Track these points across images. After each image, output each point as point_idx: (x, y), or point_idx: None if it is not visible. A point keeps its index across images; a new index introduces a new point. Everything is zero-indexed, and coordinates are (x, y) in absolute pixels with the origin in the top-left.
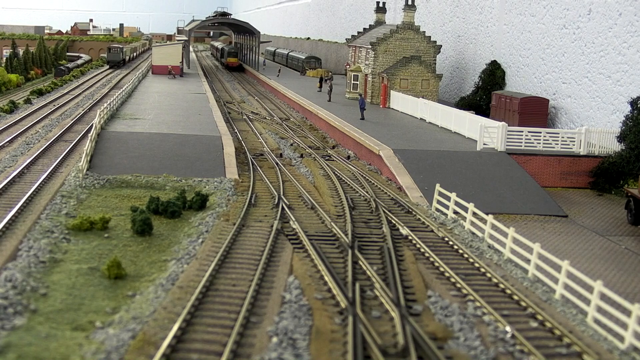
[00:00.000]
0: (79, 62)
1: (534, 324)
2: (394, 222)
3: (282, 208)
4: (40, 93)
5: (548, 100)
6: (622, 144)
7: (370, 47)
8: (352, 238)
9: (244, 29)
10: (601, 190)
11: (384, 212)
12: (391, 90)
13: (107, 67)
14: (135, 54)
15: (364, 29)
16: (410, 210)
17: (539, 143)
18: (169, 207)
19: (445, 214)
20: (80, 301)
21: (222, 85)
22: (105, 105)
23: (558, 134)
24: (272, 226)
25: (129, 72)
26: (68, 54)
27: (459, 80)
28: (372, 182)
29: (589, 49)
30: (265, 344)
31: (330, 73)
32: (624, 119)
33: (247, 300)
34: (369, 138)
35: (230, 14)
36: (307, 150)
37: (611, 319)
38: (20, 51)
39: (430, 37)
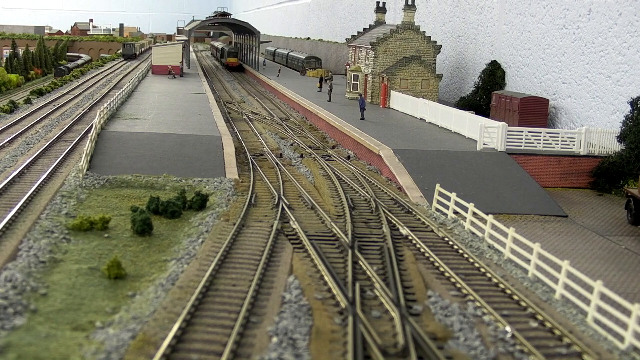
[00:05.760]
0: (79, 62)
1: (534, 324)
2: (394, 222)
3: (282, 208)
4: (40, 93)
5: (548, 100)
6: (622, 144)
7: (370, 47)
8: (352, 238)
9: (244, 29)
10: (601, 190)
11: (384, 212)
12: (391, 90)
13: (122, 59)
14: (142, 49)
15: (364, 29)
16: (410, 210)
17: (539, 143)
18: (169, 207)
19: (445, 214)
20: (80, 301)
21: (222, 85)
22: (105, 105)
23: (558, 134)
24: (272, 226)
25: (129, 73)
26: (68, 54)
27: (459, 80)
28: (372, 182)
29: (589, 49)
30: (265, 344)
31: (330, 73)
32: (624, 119)
33: (247, 300)
34: (369, 138)
35: (230, 14)
36: (307, 150)
37: (611, 319)
38: (20, 51)
39: (430, 37)
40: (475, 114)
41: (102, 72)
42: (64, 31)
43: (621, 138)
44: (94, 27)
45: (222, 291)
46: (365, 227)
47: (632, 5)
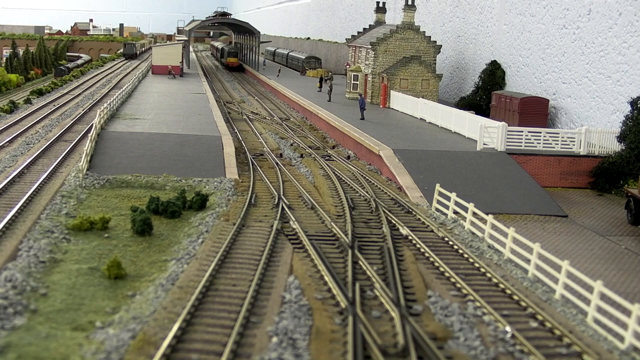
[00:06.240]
0: (79, 62)
1: (534, 324)
2: (394, 222)
3: (282, 208)
4: (40, 93)
5: (548, 100)
6: (622, 144)
7: (370, 47)
8: (352, 238)
9: (244, 29)
10: (601, 190)
11: (384, 212)
12: (391, 90)
13: (124, 58)
14: (143, 49)
15: (364, 29)
16: (410, 210)
17: (539, 143)
18: (169, 207)
19: (445, 214)
20: (80, 301)
21: (222, 85)
22: (105, 105)
23: (558, 134)
24: (272, 226)
25: (129, 73)
26: (68, 54)
27: (459, 80)
28: (372, 182)
29: (589, 49)
30: (265, 344)
31: (330, 73)
32: (624, 119)
33: (247, 300)
34: (369, 138)
35: (230, 14)
36: (307, 150)
37: (611, 319)
38: (20, 51)
39: (430, 37)
40: (475, 114)
41: (102, 72)
42: (64, 31)
43: (621, 138)
44: (94, 27)
45: (222, 291)
46: (365, 227)
47: (632, 5)
